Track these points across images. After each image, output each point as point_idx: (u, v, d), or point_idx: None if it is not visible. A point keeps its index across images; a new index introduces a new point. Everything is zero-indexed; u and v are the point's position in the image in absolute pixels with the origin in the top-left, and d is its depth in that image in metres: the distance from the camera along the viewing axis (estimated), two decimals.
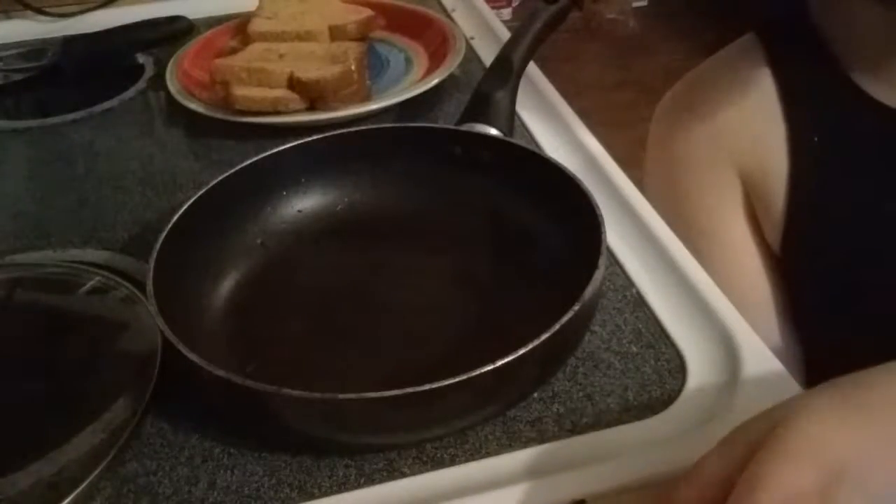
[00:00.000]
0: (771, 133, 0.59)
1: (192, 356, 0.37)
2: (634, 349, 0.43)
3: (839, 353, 0.61)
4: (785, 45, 0.60)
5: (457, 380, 0.34)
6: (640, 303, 0.46)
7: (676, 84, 0.67)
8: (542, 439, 0.38)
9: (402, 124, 0.60)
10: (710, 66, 0.65)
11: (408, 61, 0.72)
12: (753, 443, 0.31)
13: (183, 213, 0.45)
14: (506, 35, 0.71)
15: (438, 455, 0.38)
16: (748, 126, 0.61)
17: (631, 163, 0.60)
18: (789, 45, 0.60)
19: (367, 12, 0.71)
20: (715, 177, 0.63)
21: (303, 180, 0.52)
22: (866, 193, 0.57)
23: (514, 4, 2.56)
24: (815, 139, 0.58)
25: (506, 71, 0.56)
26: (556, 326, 0.36)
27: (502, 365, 0.35)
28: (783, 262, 0.61)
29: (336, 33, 0.69)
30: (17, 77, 0.75)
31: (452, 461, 0.38)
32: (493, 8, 0.82)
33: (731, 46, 0.64)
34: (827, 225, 0.59)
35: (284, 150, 0.51)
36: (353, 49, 0.66)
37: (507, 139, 0.52)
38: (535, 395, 0.40)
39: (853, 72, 0.57)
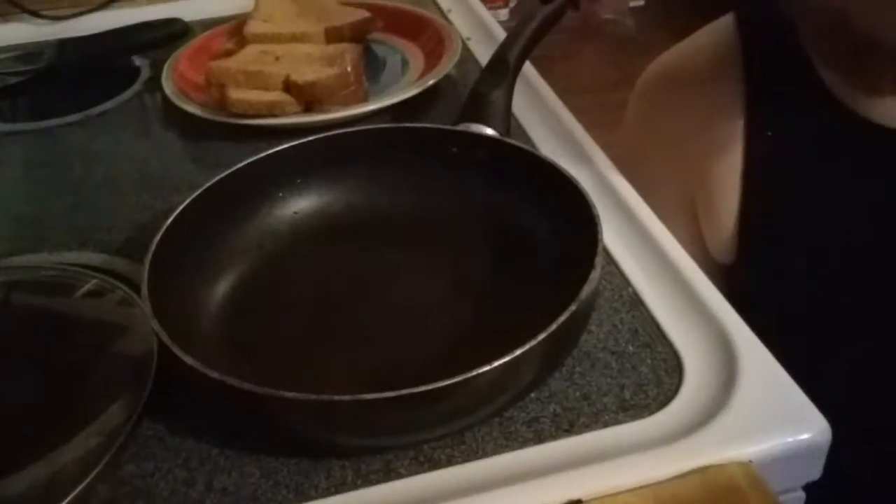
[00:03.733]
0: (729, 129, 0.59)
1: (188, 359, 0.37)
2: (631, 349, 0.43)
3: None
4: (758, 37, 0.60)
5: (454, 380, 0.34)
6: (636, 302, 0.46)
7: (649, 67, 0.67)
8: (538, 439, 0.38)
9: (399, 125, 0.60)
10: (684, 53, 0.65)
11: (404, 62, 0.72)
12: None
13: (178, 214, 0.45)
14: (502, 35, 0.71)
15: (435, 456, 0.38)
16: (707, 121, 0.60)
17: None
18: (763, 37, 0.60)
19: (363, 14, 0.71)
20: (662, 175, 0.63)
21: (299, 181, 0.52)
22: (818, 190, 0.58)
23: (511, 5, 2.56)
24: (769, 133, 0.58)
25: (502, 71, 0.56)
26: (553, 326, 0.36)
27: (499, 365, 0.35)
28: (730, 269, 0.61)
29: (332, 35, 0.69)
30: (13, 80, 0.75)
31: (449, 462, 0.38)
32: (489, 8, 0.82)
33: (708, 28, 0.64)
34: (776, 217, 0.59)
35: (280, 151, 0.51)
36: (349, 51, 0.66)
37: (504, 139, 0.52)
38: (532, 395, 0.40)
39: (824, 73, 0.57)
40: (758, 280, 0.60)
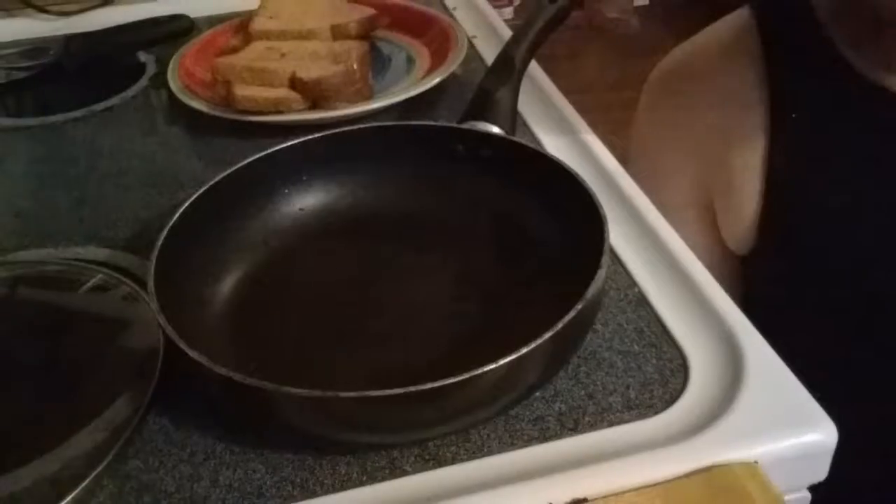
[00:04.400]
0: (750, 115, 0.58)
1: (194, 354, 0.37)
2: (637, 348, 0.43)
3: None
4: (778, 23, 0.59)
5: (459, 378, 0.34)
6: (642, 302, 0.46)
7: (662, 62, 0.66)
8: (543, 438, 0.38)
9: (404, 122, 0.60)
10: (699, 46, 0.64)
11: (409, 60, 0.72)
12: None
13: (184, 210, 0.45)
14: (507, 34, 0.70)
15: (441, 453, 0.38)
16: (725, 110, 0.60)
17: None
18: (782, 22, 0.59)
19: (368, 11, 0.71)
20: (676, 168, 0.63)
21: (304, 178, 0.52)
22: (844, 172, 0.57)
23: (516, 3, 2.56)
24: (794, 115, 0.57)
25: (507, 69, 0.56)
26: (559, 325, 0.36)
27: (505, 363, 0.35)
28: (746, 259, 0.61)
29: (338, 32, 0.69)
30: (19, 75, 0.75)
31: (454, 459, 0.38)
32: (494, 7, 0.82)
33: (724, 21, 0.63)
34: (801, 206, 0.58)
35: (286, 147, 0.51)
36: (355, 48, 0.66)
37: (509, 137, 0.52)
38: (537, 393, 0.40)
39: (846, 50, 0.56)
40: (777, 268, 0.60)
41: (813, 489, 0.40)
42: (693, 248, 0.62)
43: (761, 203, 0.59)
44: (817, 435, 0.38)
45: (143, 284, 0.42)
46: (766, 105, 0.58)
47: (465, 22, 0.78)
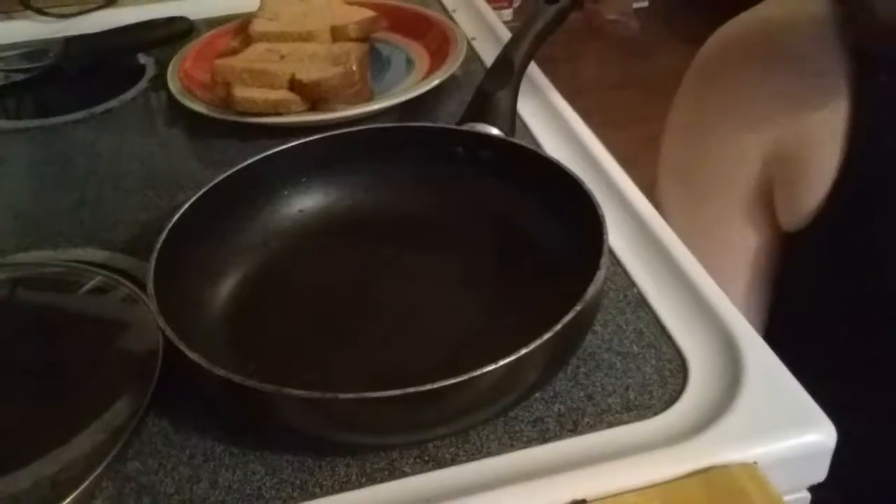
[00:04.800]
0: (829, 79, 0.55)
1: (193, 355, 0.37)
2: (636, 349, 0.43)
3: (816, 333, 0.60)
4: None
5: (458, 380, 0.34)
6: (641, 303, 0.46)
7: (716, 38, 0.63)
8: (543, 439, 0.38)
9: (404, 124, 0.60)
10: (764, 13, 0.60)
11: (409, 62, 0.72)
12: None
13: (184, 212, 0.45)
14: (507, 35, 0.71)
15: (440, 454, 0.38)
16: (800, 79, 0.56)
17: (632, 163, 0.60)
18: None
19: (368, 13, 0.71)
20: (735, 151, 0.60)
21: (304, 180, 0.52)
22: None
23: (515, 5, 2.56)
24: (882, 78, 0.53)
25: (507, 71, 0.56)
26: (558, 326, 0.36)
27: (504, 364, 0.35)
28: (795, 237, 0.59)
29: (337, 34, 0.69)
30: (19, 77, 0.75)
31: (454, 461, 0.38)
32: (494, 8, 0.82)
33: None
34: (883, 179, 0.54)
35: (286, 149, 0.51)
36: (354, 50, 0.66)
37: (509, 139, 0.52)
38: (537, 394, 0.40)
39: None
40: (826, 247, 0.57)
41: (812, 489, 0.40)
42: (744, 229, 0.61)
43: (835, 174, 0.55)
44: (816, 435, 0.38)
45: (142, 286, 0.43)
46: (846, 68, 0.54)
47: (465, 24, 0.78)
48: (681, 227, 0.61)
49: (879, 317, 0.57)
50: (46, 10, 0.84)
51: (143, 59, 0.77)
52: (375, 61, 0.71)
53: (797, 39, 0.57)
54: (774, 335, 0.62)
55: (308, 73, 0.62)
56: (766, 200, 0.60)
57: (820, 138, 0.56)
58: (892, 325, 0.57)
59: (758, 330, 0.61)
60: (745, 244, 0.62)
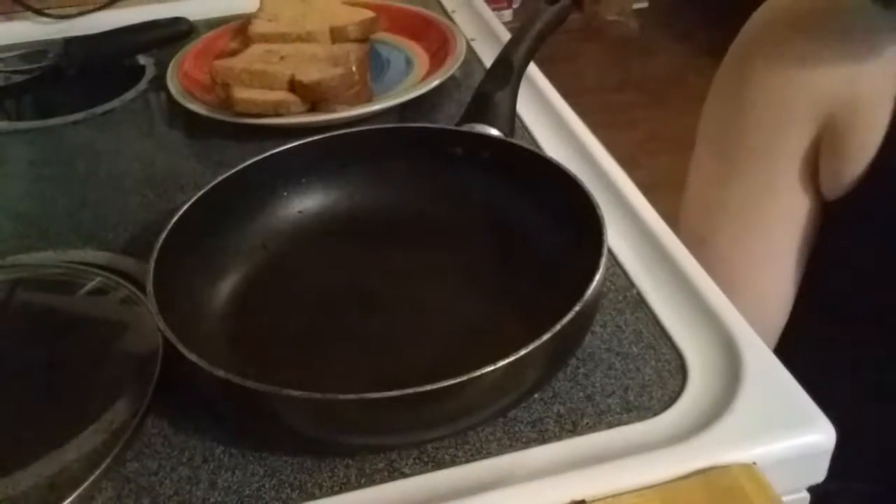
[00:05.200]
0: (883, 52, 0.55)
1: (193, 357, 0.37)
2: (635, 350, 0.43)
3: (847, 308, 0.60)
4: None
5: (458, 380, 0.34)
6: (640, 303, 0.46)
7: (758, 13, 0.62)
8: (542, 440, 0.39)
9: (403, 125, 0.60)
10: None
11: (408, 62, 0.72)
12: None
13: (183, 213, 0.45)
14: (506, 36, 0.71)
15: (439, 455, 0.38)
16: (851, 60, 0.56)
17: (632, 163, 0.60)
18: None
19: (367, 14, 0.71)
20: (784, 120, 0.60)
21: (303, 181, 0.52)
22: None
23: (515, 6, 2.56)
24: None
25: (506, 72, 0.56)
26: (558, 327, 0.36)
27: (503, 365, 0.35)
28: (836, 206, 0.59)
29: (337, 35, 0.69)
30: (19, 78, 0.75)
31: (453, 461, 0.38)
32: (493, 9, 0.83)
33: None
34: None
35: (285, 150, 0.51)
36: (354, 51, 0.66)
37: (508, 140, 0.52)
38: (536, 395, 0.40)
39: None
40: (870, 220, 0.58)
41: (812, 490, 0.40)
42: (800, 193, 0.60)
43: (881, 141, 0.55)
44: (815, 436, 0.38)
45: (142, 287, 0.43)
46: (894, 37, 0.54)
47: (464, 24, 0.78)
48: (715, 198, 0.60)
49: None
50: (46, 11, 0.84)
51: (142, 59, 0.77)
52: (375, 62, 0.71)
53: (845, 11, 0.57)
54: (798, 315, 0.61)
55: (307, 74, 0.62)
56: (811, 168, 0.60)
57: (869, 104, 0.56)
58: None
59: (788, 309, 0.60)
60: (786, 211, 0.62)
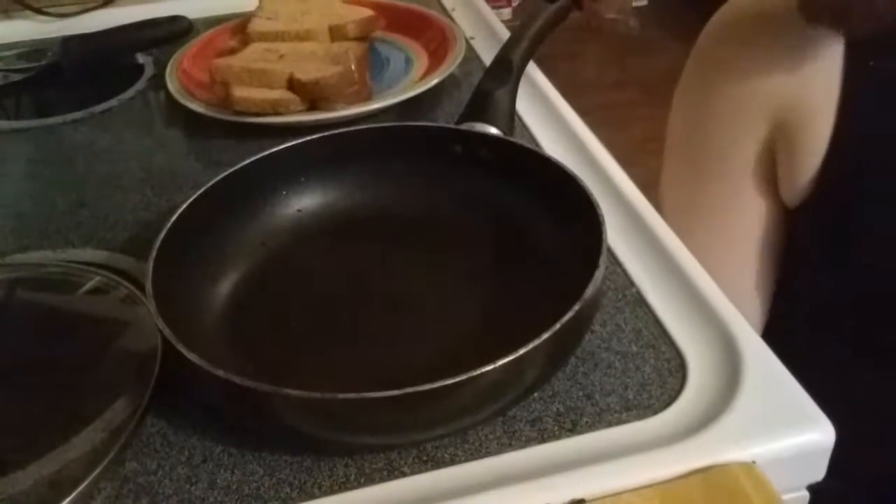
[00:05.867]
0: (825, 60, 0.56)
1: (192, 356, 0.37)
2: (635, 349, 0.43)
3: (813, 310, 0.61)
4: None
5: (457, 379, 0.34)
6: (640, 302, 0.46)
7: (722, 14, 0.64)
8: (542, 439, 0.38)
9: (403, 123, 0.60)
10: None
11: (408, 61, 0.72)
12: None
13: (182, 212, 0.45)
14: (506, 34, 0.71)
15: (439, 455, 0.38)
16: (799, 58, 0.58)
17: (631, 161, 0.60)
18: None
19: (367, 12, 0.71)
20: (739, 126, 0.61)
21: (303, 180, 0.52)
22: None
23: (514, 4, 2.56)
24: (872, 63, 0.55)
25: (506, 70, 0.56)
26: (557, 326, 0.36)
27: (503, 364, 0.35)
28: (793, 214, 0.60)
29: (336, 33, 0.69)
30: (17, 77, 0.75)
31: (452, 461, 0.38)
32: (492, 7, 0.82)
33: None
34: (868, 166, 0.56)
35: (284, 149, 0.51)
36: (353, 49, 0.66)
37: (508, 138, 0.52)
38: (536, 394, 0.40)
39: None
40: (822, 220, 0.58)
41: (811, 488, 0.40)
42: (755, 198, 0.62)
43: (826, 150, 0.57)
44: (815, 434, 0.38)
45: (141, 287, 0.43)
46: (843, 48, 0.56)
47: (464, 23, 0.78)
48: (685, 205, 0.61)
49: (874, 299, 0.58)
50: (45, 10, 0.83)
51: (141, 58, 0.77)
52: (374, 60, 0.71)
53: (787, 19, 0.58)
54: (775, 321, 0.62)
55: (307, 73, 0.62)
56: (770, 175, 0.61)
57: (815, 108, 0.57)
58: (887, 310, 0.57)
59: (763, 314, 0.61)
60: (750, 217, 0.63)
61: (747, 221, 0.62)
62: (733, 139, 0.62)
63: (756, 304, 0.64)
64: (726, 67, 0.62)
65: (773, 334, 0.60)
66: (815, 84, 0.57)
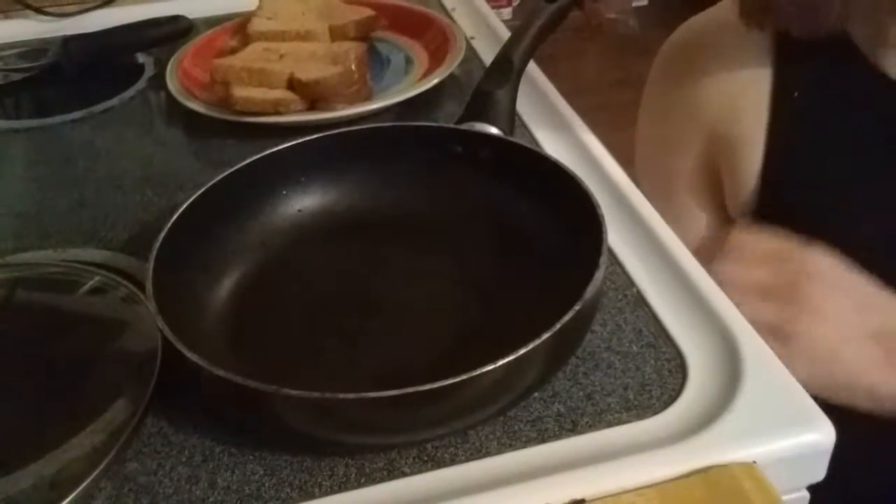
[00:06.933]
0: (755, 89, 0.60)
1: (192, 356, 0.37)
2: (635, 349, 0.43)
3: None
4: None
5: (458, 379, 0.34)
6: (640, 302, 0.46)
7: (673, 34, 0.68)
8: (542, 439, 0.38)
9: (403, 123, 0.60)
10: (711, 19, 0.66)
11: (408, 61, 0.72)
12: None
13: (183, 212, 0.45)
14: (506, 34, 0.70)
15: (439, 455, 0.38)
16: (732, 84, 0.61)
17: (631, 161, 0.60)
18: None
19: (367, 12, 0.71)
20: (684, 137, 0.65)
21: (303, 179, 0.52)
22: (842, 155, 0.58)
23: (515, 4, 2.56)
24: (796, 94, 0.58)
25: (506, 70, 0.56)
26: (558, 326, 0.36)
27: (503, 364, 0.35)
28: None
29: (336, 33, 0.69)
30: (17, 77, 0.75)
31: (453, 461, 0.38)
32: (493, 7, 0.82)
33: None
34: (797, 186, 0.59)
35: (284, 149, 0.51)
36: (353, 49, 0.66)
37: (508, 138, 0.52)
38: (536, 394, 0.40)
39: (853, 33, 0.57)
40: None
41: (811, 489, 0.40)
42: (696, 214, 0.65)
43: (762, 172, 0.60)
44: (815, 435, 0.38)
45: (141, 286, 0.43)
46: (771, 80, 0.60)
47: (464, 22, 0.78)
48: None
49: None
50: (45, 9, 0.83)
51: (141, 58, 0.77)
52: (374, 60, 0.71)
53: (736, 48, 0.62)
54: None
55: (307, 73, 0.62)
56: (715, 189, 0.65)
57: (748, 117, 0.60)
58: None
59: None
60: (698, 230, 0.66)
61: (694, 236, 0.65)
62: (682, 155, 0.65)
63: None
64: (673, 79, 0.66)
65: None
66: (748, 97, 0.60)
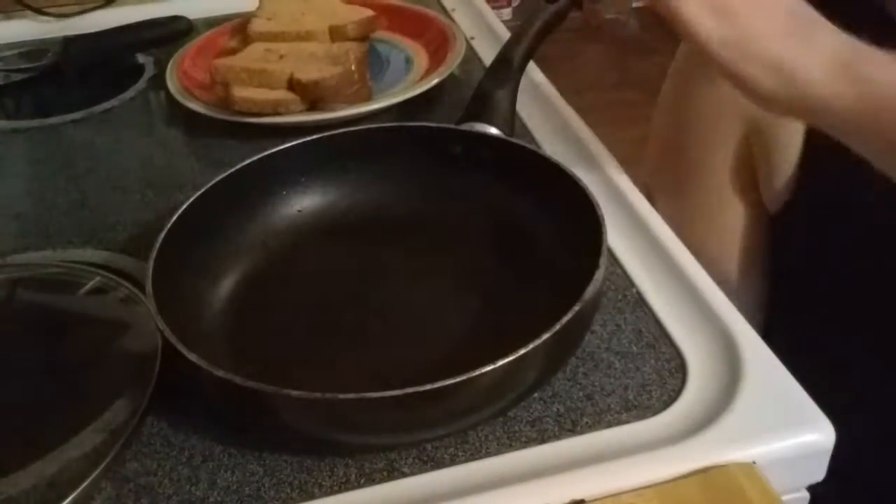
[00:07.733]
0: None
1: (192, 356, 0.37)
2: (635, 349, 0.43)
3: (805, 307, 0.62)
4: None
5: (458, 380, 0.34)
6: (640, 302, 0.46)
7: None
8: (542, 439, 0.38)
9: (403, 124, 0.60)
10: None
11: (408, 61, 0.72)
12: None
13: (182, 212, 0.45)
14: (506, 35, 0.71)
15: (439, 455, 0.38)
16: None
17: (631, 162, 0.60)
18: None
19: (367, 12, 0.71)
20: (717, 133, 0.63)
21: (303, 180, 0.52)
22: None
23: (514, 4, 2.55)
24: None
25: (506, 70, 0.56)
26: (557, 326, 0.36)
27: (503, 365, 0.35)
28: (777, 217, 0.62)
29: (336, 34, 0.69)
30: (18, 77, 0.75)
31: (453, 461, 0.38)
32: (493, 8, 0.82)
33: None
34: (842, 171, 0.56)
35: (284, 149, 0.51)
36: (353, 49, 0.66)
37: (508, 138, 0.52)
38: (536, 395, 0.40)
39: (892, 11, 0.55)
40: (804, 227, 0.60)
41: (811, 489, 0.40)
42: (735, 207, 0.63)
43: (799, 159, 0.59)
44: (815, 435, 0.38)
45: (141, 287, 0.42)
46: None
47: (464, 23, 0.78)
48: (672, 213, 0.63)
49: (863, 301, 0.58)
50: (45, 10, 0.83)
51: (141, 58, 0.77)
52: (374, 61, 0.71)
53: None
54: (772, 326, 0.63)
55: (307, 73, 0.62)
56: (751, 181, 0.63)
57: (786, 127, 0.59)
58: (879, 311, 0.58)
59: (754, 320, 0.63)
60: (734, 224, 0.64)
61: (731, 228, 0.64)
62: (710, 147, 0.64)
63: (751, 309, 0.64)
64: (700, 74, 0.64)
65: (773, 335, 0.61)
66: None
